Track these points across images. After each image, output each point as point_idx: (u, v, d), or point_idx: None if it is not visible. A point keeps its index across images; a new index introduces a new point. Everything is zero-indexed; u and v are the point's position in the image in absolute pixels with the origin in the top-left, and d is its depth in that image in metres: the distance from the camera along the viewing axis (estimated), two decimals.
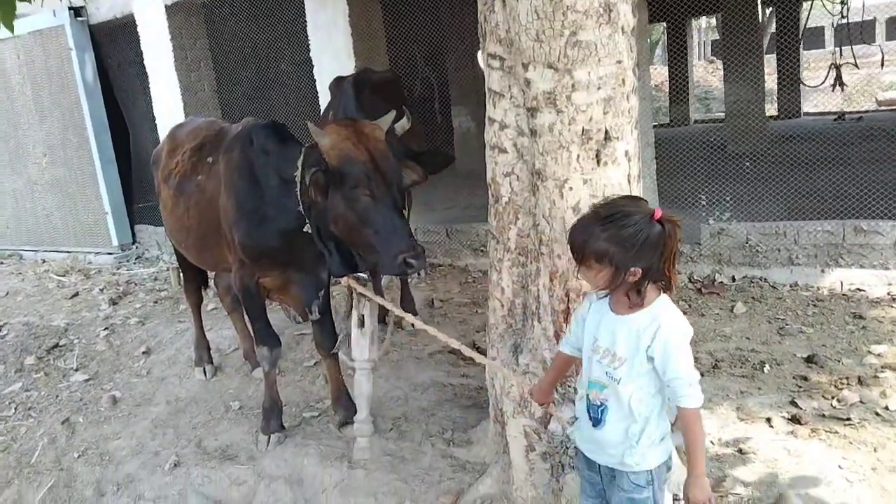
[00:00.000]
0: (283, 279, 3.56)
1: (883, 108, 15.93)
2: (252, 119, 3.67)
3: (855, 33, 12.89)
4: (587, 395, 2.17)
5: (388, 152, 3.02)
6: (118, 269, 8.44)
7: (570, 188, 2.53)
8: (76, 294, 7.38)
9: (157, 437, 4.10)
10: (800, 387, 3.67)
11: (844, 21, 11.77)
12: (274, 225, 3.33)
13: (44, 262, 9.29)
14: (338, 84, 5.20)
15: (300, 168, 3.13)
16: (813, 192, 6.22)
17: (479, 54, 2.84)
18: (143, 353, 5.44)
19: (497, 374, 2.91)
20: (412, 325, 3.79)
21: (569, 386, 2.76)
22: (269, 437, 3.73)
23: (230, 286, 4.56)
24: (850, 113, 14.16)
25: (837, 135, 9.76)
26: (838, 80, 9.83)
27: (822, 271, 5.04)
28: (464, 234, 6.51)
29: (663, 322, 2.00)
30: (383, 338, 3.49)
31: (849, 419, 3.29)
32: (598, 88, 2.45)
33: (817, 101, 16.86)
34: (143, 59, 8.06)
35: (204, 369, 4.82)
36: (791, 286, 5.08)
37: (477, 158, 10.68)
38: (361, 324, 3.25)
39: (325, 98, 6.51)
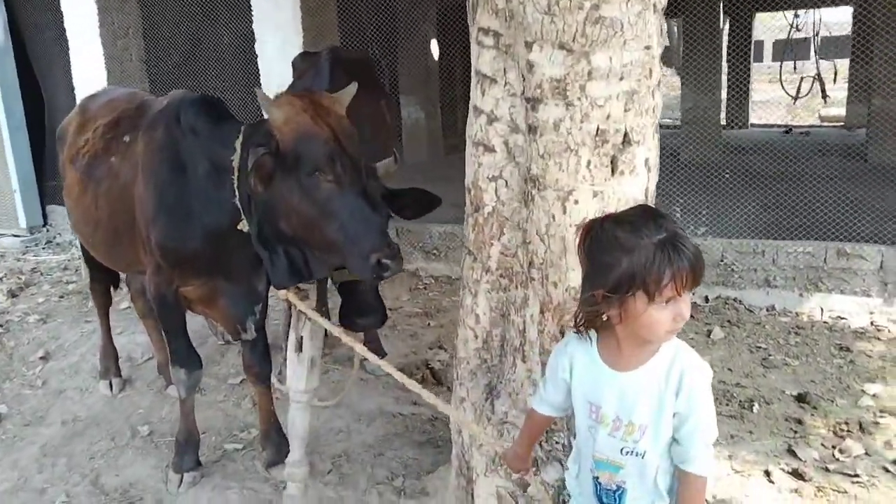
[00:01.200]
0: (210, 289, 2.94)
1: (825, 124, 16.06)
2: (181, 91, 3.02)
3: (795, 50, 12.94)
4: (597, 479, 1.67)
5: (354, 130, 2.47)
6: (24, 254, 7.55)
7: (576, 201, 2.01)
8: None
9: (46, 469, 3.40)
10: (795, 431, 3.27)
11: (785, 37, 11.79)
12: (200, 222, 2.71)
13: None
14: (306, 59, 4.52)
15: (238, 151, 2.53)
16: (774, 207, 5.93)
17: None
18: (41, 358, 4.70)
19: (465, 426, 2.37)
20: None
21: (555, 442, 2.25)
22: (182, 477, 3.10)
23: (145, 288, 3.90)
24: (797, 127, 14.23)
25: (789, 148, 9.63)
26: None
27: (801, 295, 4.70)
28: (414, 235, 5.96)
29: (686, 365, 1.56)
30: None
31: (856, 475, 2.90)
32: (621, 79, 1.94)
33: (761, 113, 16.98)
34: (62, 21, 7.18)
35: (110, 383, 4.14)
36: (768, 310, 4.73)
37: (426, 152, 10.24)
38: (300, 347, 2.66)
39: (268, 76, 5.86)
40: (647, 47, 1.95)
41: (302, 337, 2.65)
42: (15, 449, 3.65)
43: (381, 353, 4.19)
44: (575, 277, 2.01)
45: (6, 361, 4.71)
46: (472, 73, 2.27)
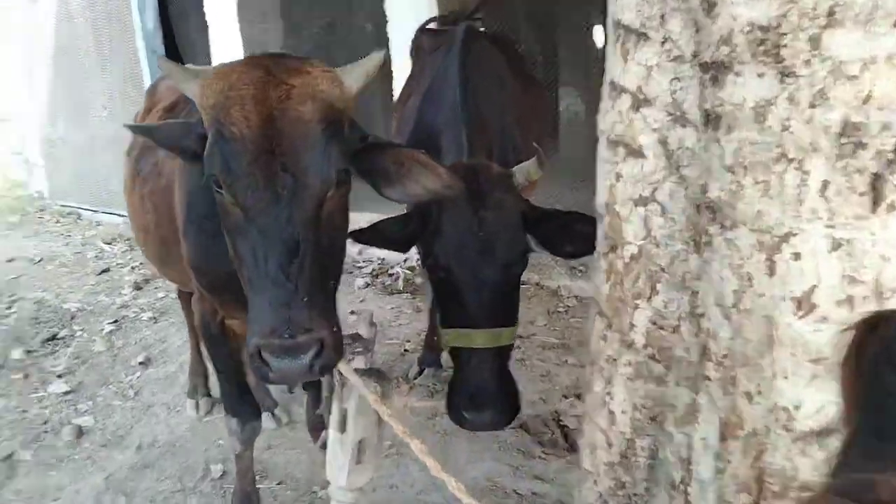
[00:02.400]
0: None
1: None
2: None
3: None
4: None
5: (312, 130, 1.57)
6: None
7: (796, 255, 1.09)
8: (106, 270, 6.45)
9: None
10: None
11: None
12: (225, 248, 2.03)
13: (98, 225, 8.53)
14: (432, 36, 3.78)
15: None
16: None
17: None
18: (141, 363, 4.37)
19: None
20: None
21: None
22: None
23: None
24: None
25: None
26: None
27: None
28: None
29: None
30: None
31: None
32: None
33: None
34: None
35: (197, 403, 3.67)
36: None
37: (584, 149, 9.22)
38: (342, 425, 1.91)
39: (399, 58, 5.21)
40: None
41: (346, 410, 1.90)
42: (82, 475, 3.25)
43: None
44: (792, 393, 1.11)
45: (109, 364, 4.43)
46: (609, 26, 1.40)
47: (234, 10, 6.60)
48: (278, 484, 3.01)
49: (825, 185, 1.05)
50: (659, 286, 1.38)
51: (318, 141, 1.56)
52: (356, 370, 1.86)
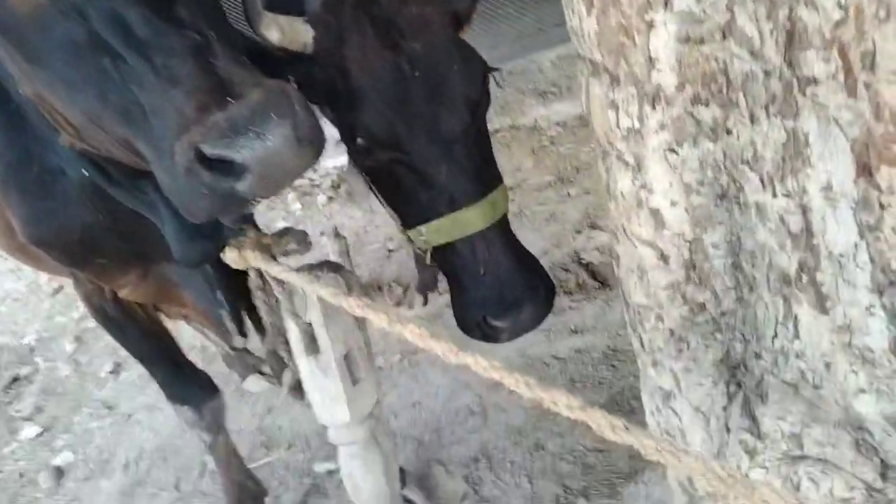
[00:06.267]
0: (155, 285, 1.64)
1: None
2: None
3: None
4: None
5: None
6: None
7: None
8: (60, 289, 5.86)
9: None
10: None
11: None
12: (62, 188, 1.38)
13: None
14: None
15: None
16: None
17: None
18: (111, 371, 3.88)
19: None
20: None
21: None
22: None
23: None
24: None
25: None
26: None
27: None
28: (523, 77, 4.42)
29: None
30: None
31: None
32: None
33: None
34: None
35: None
36: None
37: None
38: (312, 346, 1.32)
39: None
40: None
41: (311, 325, 1.31)
42: None
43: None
44: None
45: (78, 385, 3.93)
46: None
47: None
48: (287, 449, 2.54)
49: None
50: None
51: None
52: (300, 268, 1.29)
